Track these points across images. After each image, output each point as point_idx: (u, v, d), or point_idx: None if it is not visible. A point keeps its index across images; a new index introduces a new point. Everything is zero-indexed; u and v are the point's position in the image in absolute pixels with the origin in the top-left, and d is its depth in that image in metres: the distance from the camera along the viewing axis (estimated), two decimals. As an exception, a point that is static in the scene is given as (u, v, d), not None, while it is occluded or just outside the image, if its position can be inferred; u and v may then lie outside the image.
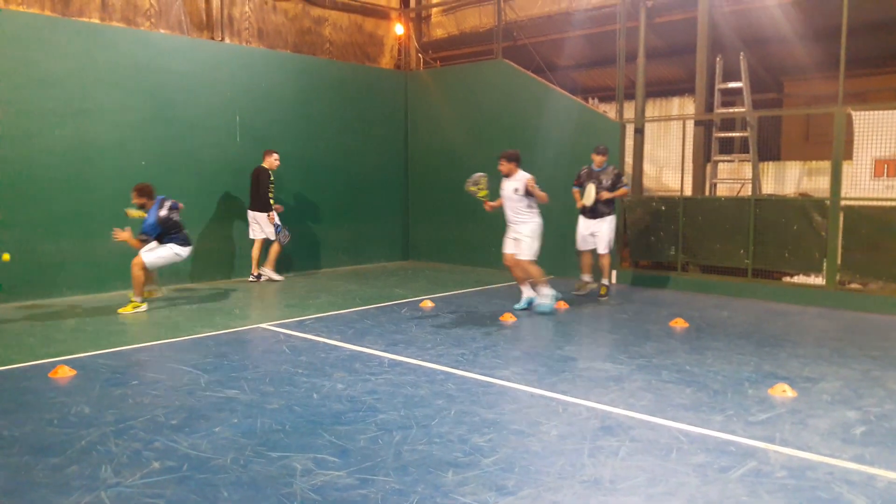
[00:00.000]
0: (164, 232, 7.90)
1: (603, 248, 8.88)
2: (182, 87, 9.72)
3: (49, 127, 8.55)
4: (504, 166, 7.84)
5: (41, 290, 8.58)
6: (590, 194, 8.71)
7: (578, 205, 8.94)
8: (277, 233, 10.17)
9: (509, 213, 7.92)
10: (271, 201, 10.07)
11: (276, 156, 10.22)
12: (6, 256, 7.12)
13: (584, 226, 8.96)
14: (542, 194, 7.72)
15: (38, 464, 3.72)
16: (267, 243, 10.29)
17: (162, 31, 10.10)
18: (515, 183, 7.78)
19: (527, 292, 8.07)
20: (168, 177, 9.54)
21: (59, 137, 8.64)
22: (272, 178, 10.12)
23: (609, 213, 8.85)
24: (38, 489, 3.41)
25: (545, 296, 7.91)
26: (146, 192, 7.87)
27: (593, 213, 8.83)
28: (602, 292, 8.95)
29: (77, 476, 3.56)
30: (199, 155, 9.93)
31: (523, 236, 7.83)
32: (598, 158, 8.84)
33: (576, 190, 9.09)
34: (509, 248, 8.01)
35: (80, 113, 8.80)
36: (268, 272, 10.32)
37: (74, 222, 8.78)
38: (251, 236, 10.22)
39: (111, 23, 9.57)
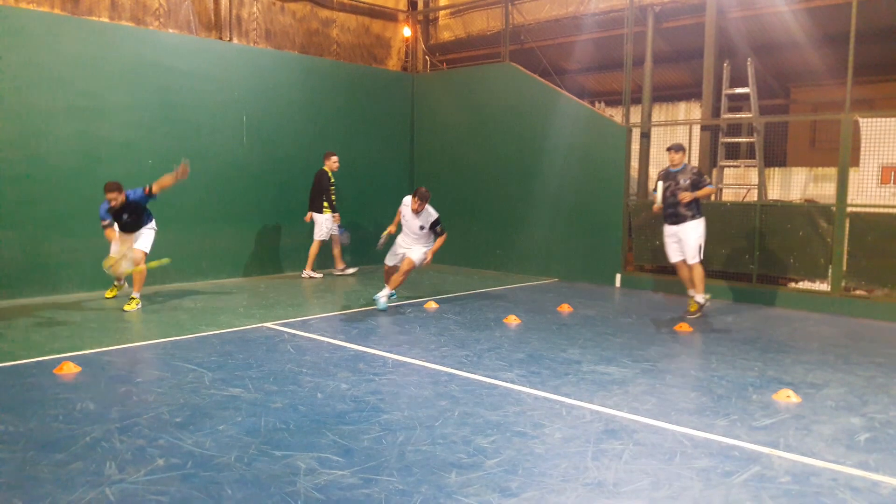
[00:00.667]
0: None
1: (691, 257, 7.84)
2: (190, 86, 9.76)
3: (57, 125, 8.59)
4: (416, 204, 8.01)
5: (47, 288, 8.61)
6: (659, 195, 7.94)
7: (655, 209, 8.10)
8: (340, 234, 10.74)
9: (410, 238, 8.29)
10: (329, 203, 10.53)
11: (334, 158, 10.63)
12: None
13: (668, 233, 8.06)
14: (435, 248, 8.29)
15: (43, 459, 3.73)
16: (310, 243, 10.68)
17: (170, 30, 10.14)
18: (424, 220, 8.13)
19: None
20: (175, 176, 9.58)
21: (67, 136, 8.69)
22: (332, 180, 10.53)
23: (693, 217, 7.81)
24: (42, 485, 3.43)
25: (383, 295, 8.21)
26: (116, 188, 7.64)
27: (675, 217, 7.89)
28: (691, 309, 7.97)
29: (81, 472, 3.58)
30: (205, 155, 9.96)
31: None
32: (674, 157, 7.91)
33: (655, 195, 8.21)
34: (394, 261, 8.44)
35: (88, 111, 8.84)
36: (308, 272, 10.71)
37: (81, 220, 8.80)
38: (316, 237, 10.60)
39: (120, 22, 9.61)
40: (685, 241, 7.85)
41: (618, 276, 10.31)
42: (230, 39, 10.79)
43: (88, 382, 5.14)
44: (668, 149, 8.04)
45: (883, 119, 8.38)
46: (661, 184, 7.94)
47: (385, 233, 8.31)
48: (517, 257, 11.55)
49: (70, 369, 5.39)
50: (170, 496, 3.33)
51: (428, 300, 8.73)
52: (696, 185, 7.76)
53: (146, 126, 9.36)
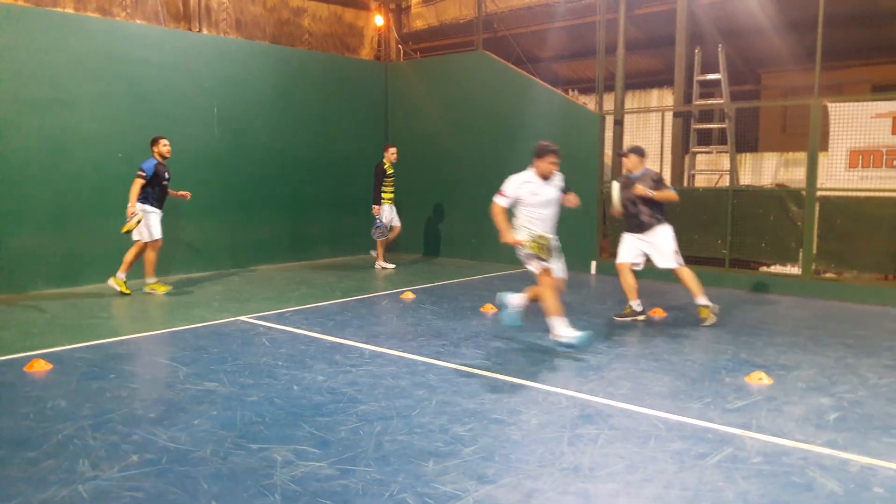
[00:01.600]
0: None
1: (675, 263, 7.01)
2: (159, 78, 9.61)
3: (23, 118, 8.41)
4: (633, 160, 6.89)
5: (16, 284, 8.45)
6: (614, 202, 7.12)
7: (613, 213, 7.34)
8: (376, 227, 10.58)
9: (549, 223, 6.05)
10: (376, 195, 10.56)
11: (392, 150, 10.60)
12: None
13: (630, 241, 7.18)
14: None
15: (14, 458, 3.67)
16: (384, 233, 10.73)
17: (138, 21, 9.97)
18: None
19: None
20: (145, 169, 9.45)
21: (34, 129, 8.51)
22: (388, 173, 10.49)
23: (659, 222, 6.99)
24: (14, 483, 3.38)
25: None
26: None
27: (640, 226, 7.05)
28: (702, 316, 7.01)
29: (54, 470, 3.53)
30: (176, 147, 9.77)
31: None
32: (629, 162, 7.10)
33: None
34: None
35: (55, 104, 8.67)
36: (380, 262, 10.84)
37: (50, 215, 8.66)
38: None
39: (86, 13, 9.42)
40: (660, 249, 7.02)
41: (593, 264, 10.38)
42: (199, 30, 10.63)
43: (60, 380, 5.07)
44: (623, 154, 7.25)
45: (851, 104, 8.50)
46: (616, 189, 7.11)
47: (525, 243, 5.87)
48: (494, 246, 11.56)
49: (41, 367, 5.31)
50: (145, 492, 3.30)
51: (405, 290, 8.72)
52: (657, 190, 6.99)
53: (114, 118, 9.20)
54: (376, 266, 10.84)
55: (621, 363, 5.53)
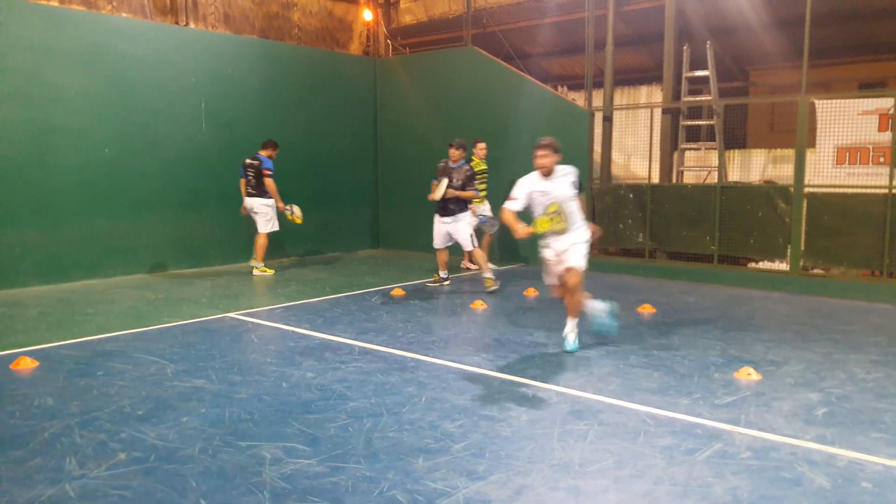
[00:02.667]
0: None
1: (467, 246, 8.58)
2: (145, 72, 9.52)
3: (7, 113, 8.32)
4: (549, 159, 5.76)
5: (1, 281, 8.37)
6: (440, 189, 8.39)
7: (429, 198, 8.57)
8: (482, 223, 9.56)
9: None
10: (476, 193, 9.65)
11: (481, 145, 10.02)
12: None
13: (439, 223, 8.63)
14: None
15: (0, 457, 3.63)
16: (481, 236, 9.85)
17: (124, 14, 9.88)
18: (568, 177, 5.85)
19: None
20: (132, 164, 9.39)
21: (18, 124, 8.42)
22: (477, 170, 9.62)
23: (461, 211, 8.49)
24: (0, 482, 3.35)
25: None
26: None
27: (445, 210, 8.51)
28: (488, 285, 8.36)
29: (40, 469, 3.49)
30: (163, 142, 9.76)
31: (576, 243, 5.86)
32: (453, 153, 8.49)
33: (434, 183, 8.57)
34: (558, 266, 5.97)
35: (40, 99, 8.57)
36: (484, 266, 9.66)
37: (35, 211, 8.58)
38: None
39: (71, 6, 9.32)
40: (457, 232, 8.50)
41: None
42: (186, 24, 10.55)
43: (46, 377, 5.02)
44: (451, 144, 8.52)
45: (838, 101, 8.55)
46: (445, 179, 8.39)
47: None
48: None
49: (27, 364, 5.26)
50: (133, 490, 3.27)
51: (394, 287, 8.70)
52: (464, 186, 8.39)
53: (100, 113, 9.12)
54: (471, 270, 10.10)
55: (611, 359, 5.54)
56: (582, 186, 5.91)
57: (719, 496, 3.24)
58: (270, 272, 9.83)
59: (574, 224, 5.72)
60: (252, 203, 9.57)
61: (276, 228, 9.79)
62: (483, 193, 9.89)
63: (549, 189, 5.71)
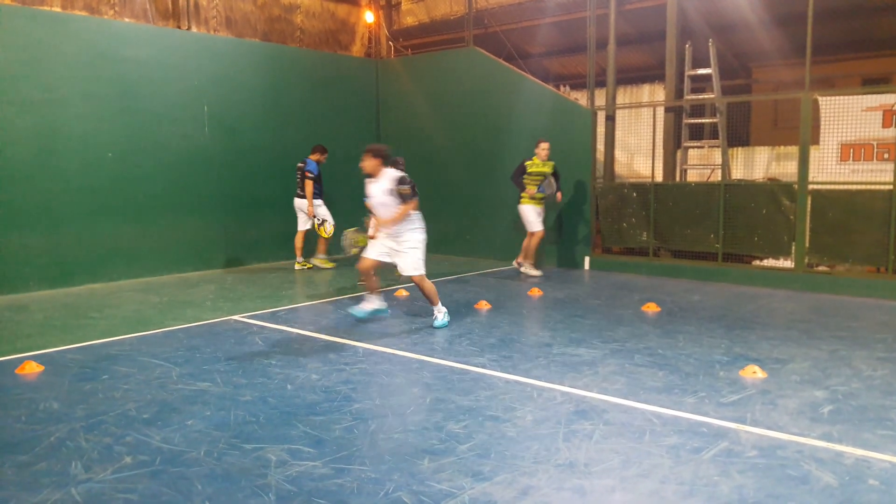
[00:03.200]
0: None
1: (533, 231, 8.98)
2: (148, 77, 9.54)
3: (11, 118, 8.35)
4: (367, 163, 6.38)
5: (6, 285, 8.39)
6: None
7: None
8: (541, 191, 9.39)
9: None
10: (520, 191, 9.65)
11: (543, 145, 9.52)
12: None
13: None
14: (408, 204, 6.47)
15: (6, 462, 3.64)
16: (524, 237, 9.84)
17: (126, 19, 9.90)
18: (384, 183, 6.39)
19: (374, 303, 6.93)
20: (135, 168, 9.41)
21: (22, 129, 8.44)
22: (536, 169, 9.48)
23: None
24: (6, 487, 3.35)
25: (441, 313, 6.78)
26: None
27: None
28: (397, 275, 7.72)
29: (46, 473, 3.50)
30: (166, 146, 9.77)
31: (407, 247, 6.57)
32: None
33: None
34: (383, 256, 6.66)
35: (44, 104, 8.60)
36: (526, 266, 9.79)
37: (39, 216, 8.60)
38: (528, 229, 9.70)
39: (73, 11, 9.35)
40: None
41: (586, 259, 10.39)
42: (188, 28, 10.56)
43: (52, 381, 5.03)
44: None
45: (841, 97, 8.52)
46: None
47: None
48: (486, 242, 11.57)
49: (32, 369, 5.27)
50: (138, 494, 3.27)
51: (398, 288, 8.70)
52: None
53: (104, 118, 9.14)
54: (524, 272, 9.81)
55: (615, 358, 5.53)
56: (405, 195, 6.34)
57: (725, 495, 3.23)
58: (329, 265, 10.58)
59: (404, 225, 6.47)
60: (298, 203, 10.39)
61: (330, 223, 10.40)
62: (541, 195, 9.48)
63: (370, 192, 6.44)
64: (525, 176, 9.59)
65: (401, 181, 6.38)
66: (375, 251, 6.67)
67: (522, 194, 9.63)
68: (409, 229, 6.59)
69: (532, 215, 9.63)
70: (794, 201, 8.61)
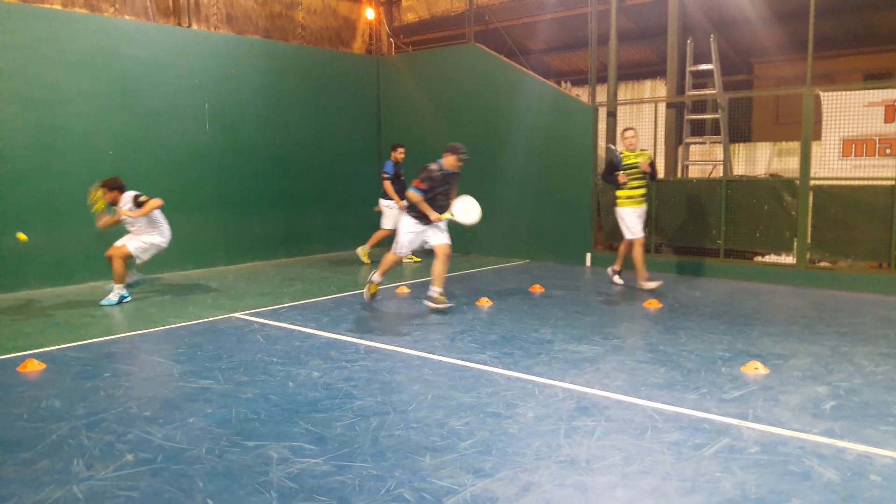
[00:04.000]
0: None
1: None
2: (149, 74, 9.54)
3: (11, 116, 8.34)
4: (108, 196, 7.71)
5: (7, 283, 8.40)
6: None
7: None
8: (608, 151, 8.48)
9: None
10: (615, 189, 8.40)
11: (629, 133, 8.33)
12: (22, 237, 7.66)
13: (418, 230, 7.67)
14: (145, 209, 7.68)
15: (8, 459, 3.65)
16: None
17: (127, 17, 9.89)
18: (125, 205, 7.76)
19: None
20: (136, 166, 9.39)
21: (23, 127, 8.44)
22: (629, 161, 8.21)
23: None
24: (8, 485, 3.35)
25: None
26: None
27: (423, 217, 7.66)
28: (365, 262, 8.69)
29: (48, 471, 3.50)
30: (167, 143, 9.77)
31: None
32: (448, 160, 8.02)
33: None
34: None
35: (44, 102, 8.59)
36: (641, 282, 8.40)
37: (40, 213, 8.60)
38: (625, 235, 8.48)
39: (74, 9, 9.34)
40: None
41: (588, 256, 10.38)
42: (189, 25, 10.55)
43: (53, 379, 5.03)
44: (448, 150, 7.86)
45: (843, 93, 8.50)
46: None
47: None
48: (487, 239, 11.56)
49: (34, 367, 5.27)
50: (140, 491, 3.28)
51: (399, 285, 8.70)
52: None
53: (105, 116, 9.13)
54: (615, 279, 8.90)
55: (617, 355, 5.53)
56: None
57: (727, 491, 3.22)
58: (366, 261, 10.68)
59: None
60: (380, 202, 10.68)
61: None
62: (638, 194, 8.27)
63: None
64: (626, 170, 8.18)
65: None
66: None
67: (618, 193, 8.29)
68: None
69: (632, 218, 8.24)
70: (795, 197, 8.59)
